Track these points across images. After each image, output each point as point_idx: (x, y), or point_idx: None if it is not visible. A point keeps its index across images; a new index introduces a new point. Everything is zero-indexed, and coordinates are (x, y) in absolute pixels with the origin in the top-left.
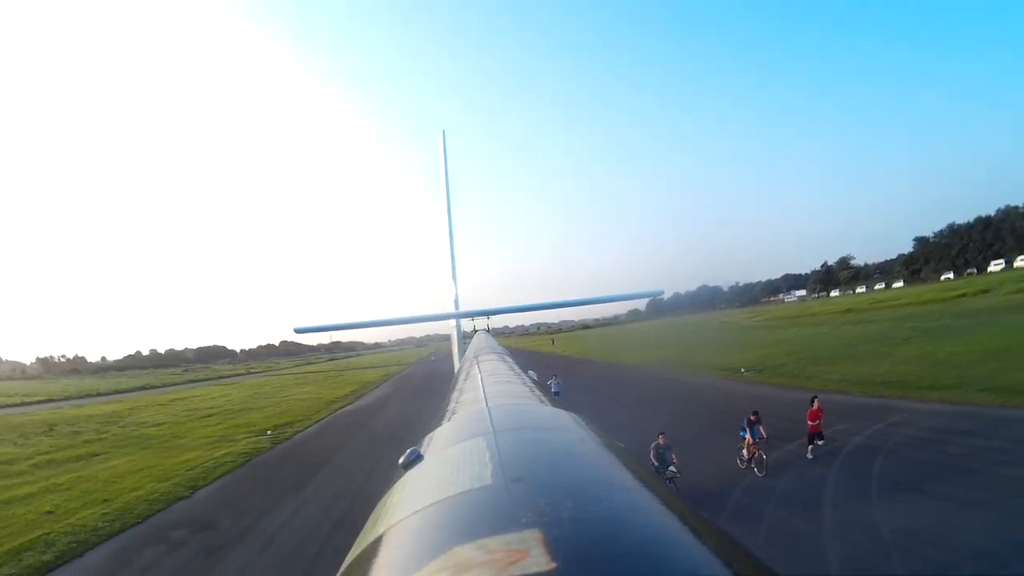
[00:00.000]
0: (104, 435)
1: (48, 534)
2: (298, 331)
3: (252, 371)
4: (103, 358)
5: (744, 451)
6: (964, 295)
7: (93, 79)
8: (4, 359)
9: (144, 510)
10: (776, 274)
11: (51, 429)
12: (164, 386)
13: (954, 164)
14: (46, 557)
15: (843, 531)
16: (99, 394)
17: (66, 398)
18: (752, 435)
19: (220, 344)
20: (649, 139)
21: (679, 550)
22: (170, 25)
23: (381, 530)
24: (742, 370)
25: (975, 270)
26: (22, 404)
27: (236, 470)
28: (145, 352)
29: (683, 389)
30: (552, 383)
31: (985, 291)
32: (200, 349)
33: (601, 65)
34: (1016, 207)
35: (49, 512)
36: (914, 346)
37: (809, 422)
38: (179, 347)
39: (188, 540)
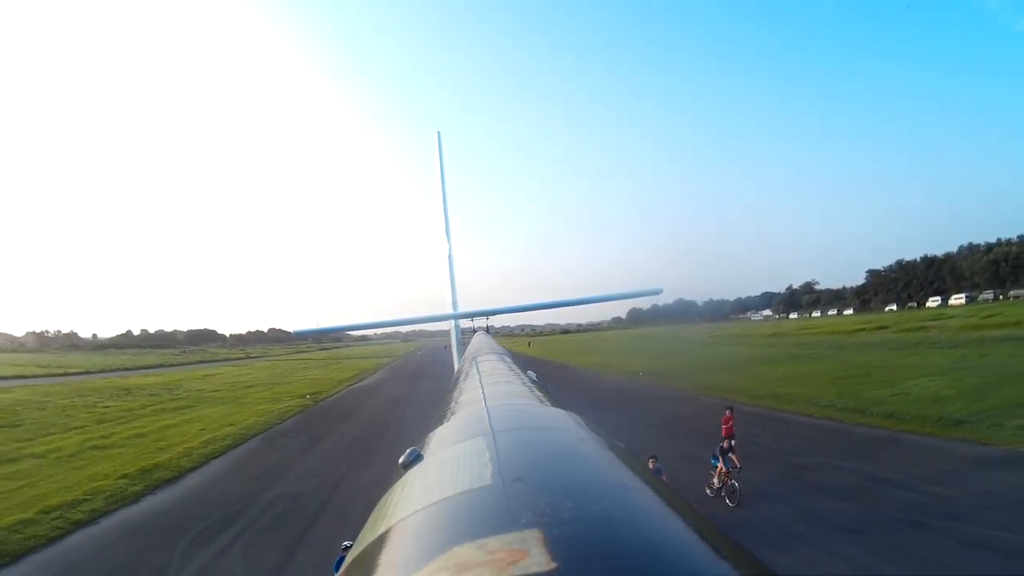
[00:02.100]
0: (179, 397)
1: (214, 437)
2: (297, 333)
3: (251, 355)
4: (94, 335)
5: (715, 479)
6: (863, 329)
7: (90, 67)
8: None
9: (260, 428)
10: (756, 291)
11: (129, 392)
12: (180, 364)
13: (956, 193)
14: (228, 442)
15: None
16: (126, 368)
17: (101, 371)
18: (725, 464)
19: (210, 328)
20: (650, 142)
21: (679, 550)
22: (175, 19)
23: (381, 530)
24: (640, 373)
25: (915, 304)
26: (65, 375)
27: (299, 414)
28: (136, 332)
29: (590, 382)
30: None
31: (883, 327)
32: (191, 332)
33: (602, 66)
34: (979, 245)
35: (202, 429)
36: (764, 367)
37: (723, 426)
38: (168, 328)
39: (296, 436)
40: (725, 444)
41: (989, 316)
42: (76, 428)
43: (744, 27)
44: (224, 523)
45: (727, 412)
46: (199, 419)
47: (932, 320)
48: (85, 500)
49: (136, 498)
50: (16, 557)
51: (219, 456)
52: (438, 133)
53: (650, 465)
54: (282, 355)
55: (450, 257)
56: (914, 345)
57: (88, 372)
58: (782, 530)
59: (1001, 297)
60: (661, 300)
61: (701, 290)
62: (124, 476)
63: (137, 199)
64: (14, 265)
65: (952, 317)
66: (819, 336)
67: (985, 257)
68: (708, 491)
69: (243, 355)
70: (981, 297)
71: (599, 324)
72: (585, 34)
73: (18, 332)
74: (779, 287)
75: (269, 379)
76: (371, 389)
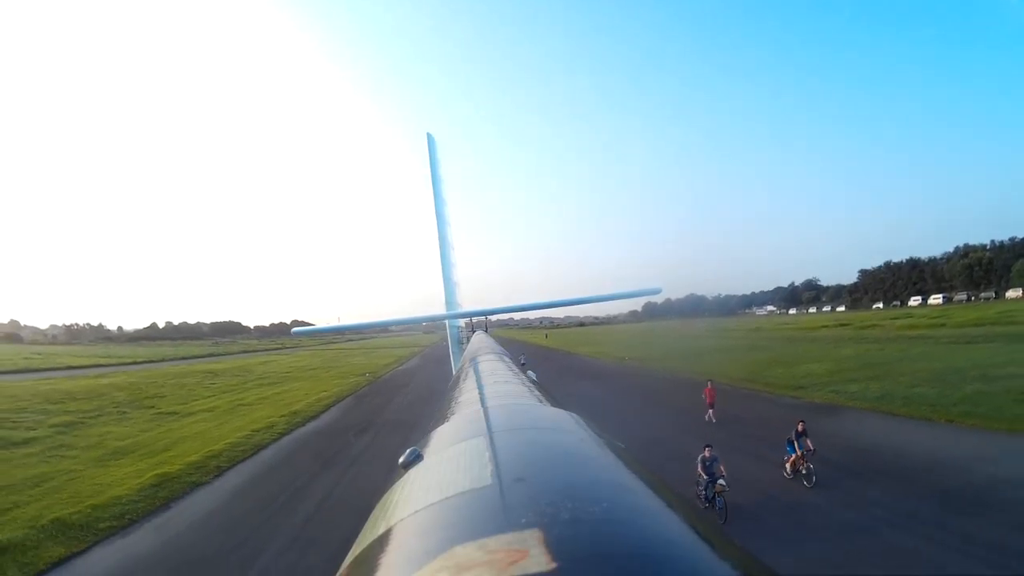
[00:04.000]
0: (262, 377)
1: (320, 397)
2: (296, 333)
3: (285, 346)
4: (119, 327)
5: (788, 465)
6: (827, 326)
7: (107, 66)
8: (23, 324)
9: (347, 393)
10: (770, 286)
11: (216, 375)
12: (227, 354)
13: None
14: (332, 399)
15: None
16: (183, 358)
17: (162, 360)
18: (800, 447)
19: (234, 320)
20: (655, 142)
21: (679, 550)
22: (179, 20)
23: (381, 530)
24: (625, 358)
25: (899, 303)
26: (133, 363)
27: (368, 385)
28: (160, 324)
29: (582, 364)
30: (522, 358)
31: (844, 324)
32: (215, 324)
33: (607, 67)
34: (975, 246)
35: (306, 394)
36: (721, 355)
37: (706, 397)
38: (189, 320)
39: (376, 397)
40: (800, 428)
41: (934, 318)
42: (209, 396)
43: (745, 32)
44: (363, 430)
45: (708, 384)
46: (296, 389)
47: (892, 319)
48: (272, 426)
49: (301, 424)
50: (265, 446)
51: (332, 407)
52: (428, 135)
53: (706, 453)
54: (315, 346)
55: (446, 258)
56: (847, 340)
57: (151, 361)
58: (651, 425)
59: (973, 299)
60: (673, 295)
61: (714, 285)
62: (282, 416)
63: (153, 195)
64: (31, 259)
65: (908, 317)
66: (789, 332)
67: (961, 261)
68: (784, 474)
69: (279, 346)
70: (956, 298)
71: (615, 317)
72: (590, 35)
73: (41, 325)
74: (793, 282)
75: (322, 364)
76: (413, 370)
